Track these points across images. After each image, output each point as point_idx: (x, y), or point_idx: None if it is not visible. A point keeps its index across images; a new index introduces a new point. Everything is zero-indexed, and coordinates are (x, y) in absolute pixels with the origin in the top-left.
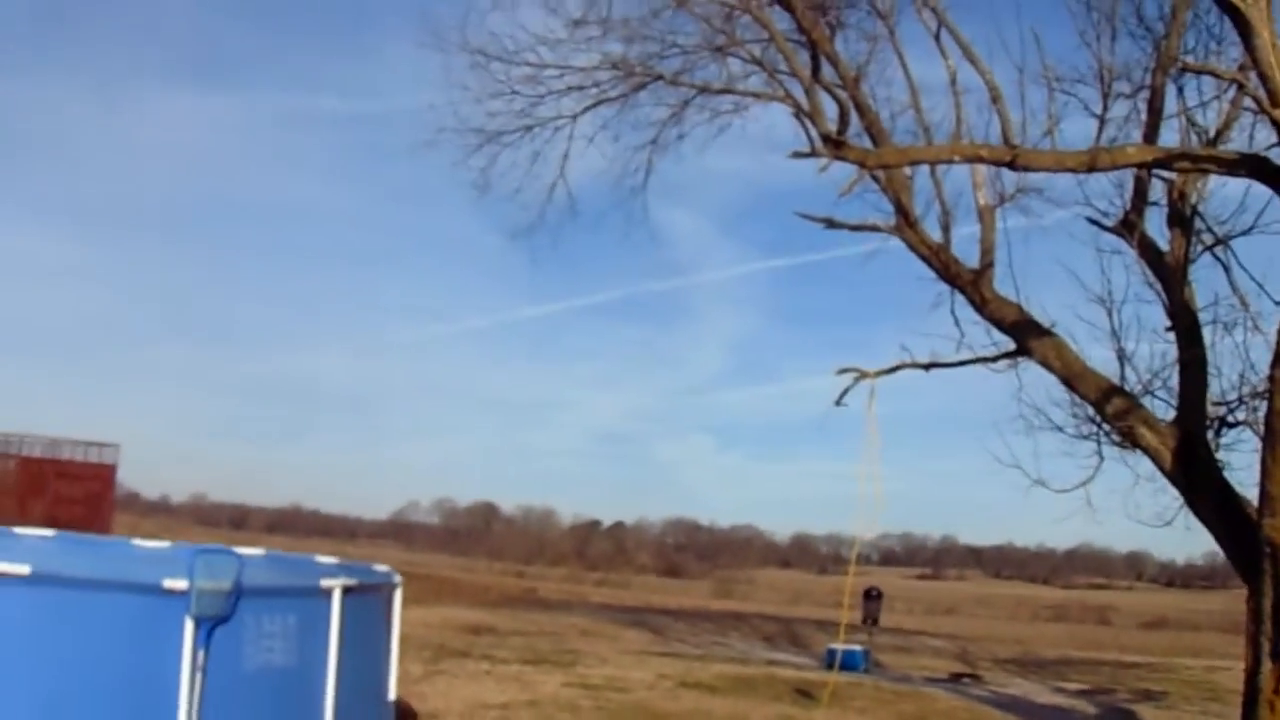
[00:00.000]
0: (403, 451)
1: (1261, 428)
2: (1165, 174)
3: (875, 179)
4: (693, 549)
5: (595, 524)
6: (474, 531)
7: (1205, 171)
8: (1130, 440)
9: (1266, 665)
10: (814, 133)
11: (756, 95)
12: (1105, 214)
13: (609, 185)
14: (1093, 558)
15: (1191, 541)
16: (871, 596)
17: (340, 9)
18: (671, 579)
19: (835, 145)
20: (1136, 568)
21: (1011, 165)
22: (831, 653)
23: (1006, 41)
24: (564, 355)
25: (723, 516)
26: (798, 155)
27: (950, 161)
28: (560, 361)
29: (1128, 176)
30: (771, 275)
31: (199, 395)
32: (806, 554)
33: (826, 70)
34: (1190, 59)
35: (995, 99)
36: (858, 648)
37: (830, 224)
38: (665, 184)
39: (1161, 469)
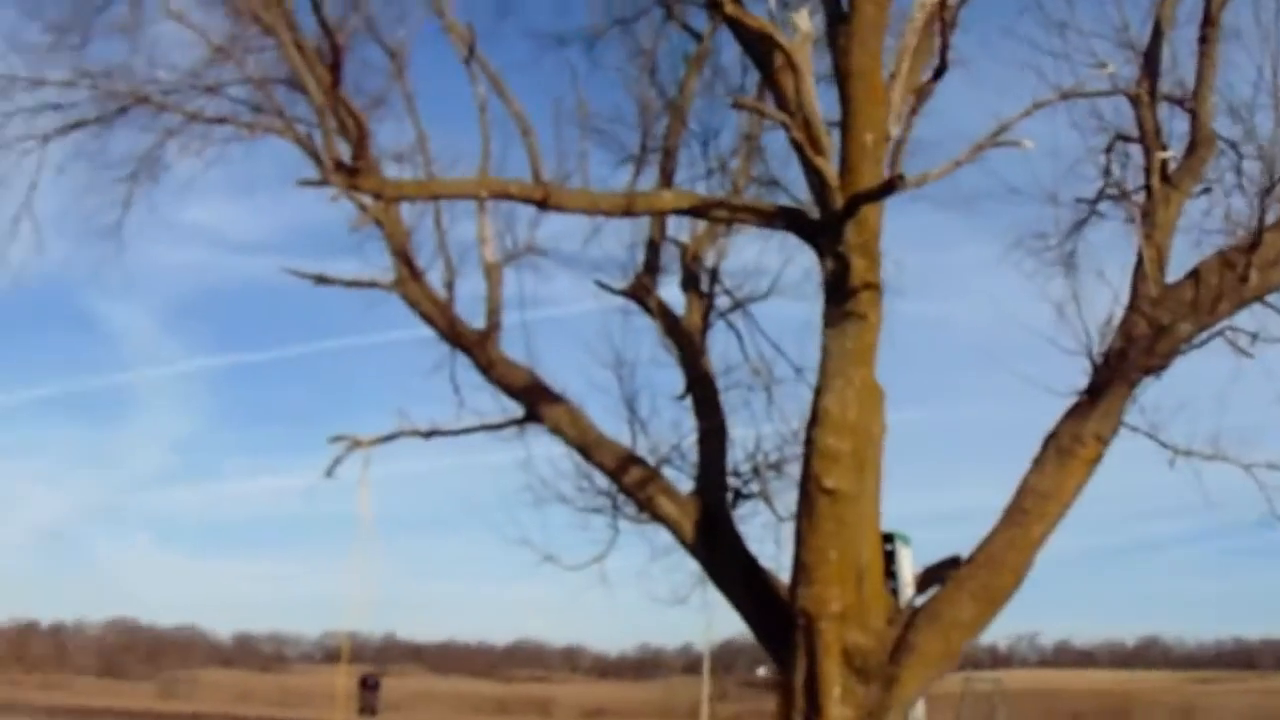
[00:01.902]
0: None
1: (774, 502)
2: (679, 239)
3: (380, 225)
4: (134, 650)
5: (33, 625)
6: None
7: (742, 222)
8: (650, 512)
9: None
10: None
11: (251, 127)
12: (621, 277)
13: (81, 221)
14: (532, 652)
15: (625, 634)
16: (369, 686)
17: None
18: (113, 680)
19: (350, 173)
20: (572, 661)
21: (543, 204)
22: None
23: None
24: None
25: (164, 616)
26: (306, 183)
27: (477, 197)
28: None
29: (640, 238)
30: (214, 373)
31: None
32: (249, 653)
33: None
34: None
35: (525, 132)
36: None
37: (321, 280)
38: (107, 278)
39: (682, 541)
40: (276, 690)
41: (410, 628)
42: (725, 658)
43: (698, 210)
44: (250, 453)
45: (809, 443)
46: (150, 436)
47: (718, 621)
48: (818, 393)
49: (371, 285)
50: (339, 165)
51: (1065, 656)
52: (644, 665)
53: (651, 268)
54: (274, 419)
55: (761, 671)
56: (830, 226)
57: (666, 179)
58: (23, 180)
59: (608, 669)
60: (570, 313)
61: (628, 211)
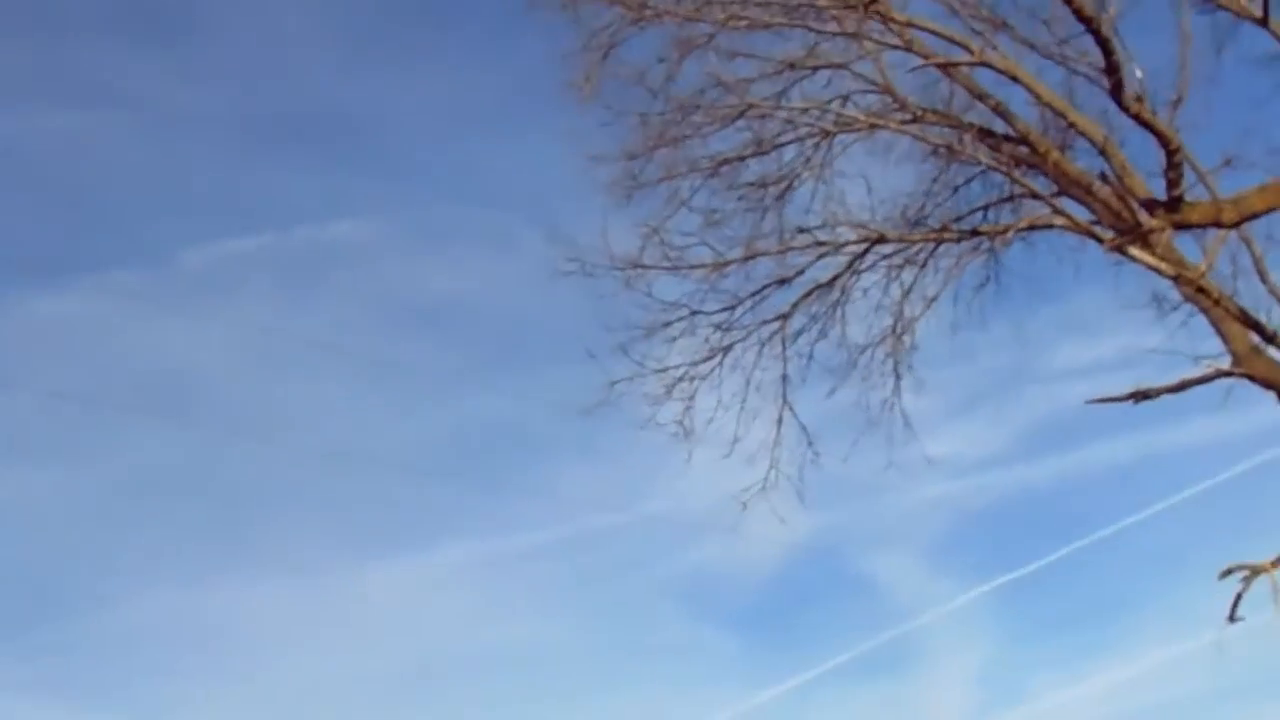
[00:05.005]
0: None
1: None
2: None
3: (1203, 293)
4: None
5: None
6: None
7: None
8: None
9: None
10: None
11: (1012, 228)
12: None
13: (852, 398)
14: None
15: None
16: None
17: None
18: None
19: (1168, 208)
20: None
21: None
22: None
23: None
24: None
25: None
26: (1116, 245)
27: None
28: None
29: None
30: (993, 597)
31: None
32: None
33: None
34: None
35: None
36: None
37: (1141, 396)
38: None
39: None
40: None
41: None
42: None
43: None
44: (1056, 664)
45: None
46: (947, 677)
47: None
48: None
49: (1211, 377)
50: (1150, 205)
51: None
52: None
53: None
54: (1068, 623)
55: None
56: None
57: None
58: (770, 377)
59: None
60: None
61: None
